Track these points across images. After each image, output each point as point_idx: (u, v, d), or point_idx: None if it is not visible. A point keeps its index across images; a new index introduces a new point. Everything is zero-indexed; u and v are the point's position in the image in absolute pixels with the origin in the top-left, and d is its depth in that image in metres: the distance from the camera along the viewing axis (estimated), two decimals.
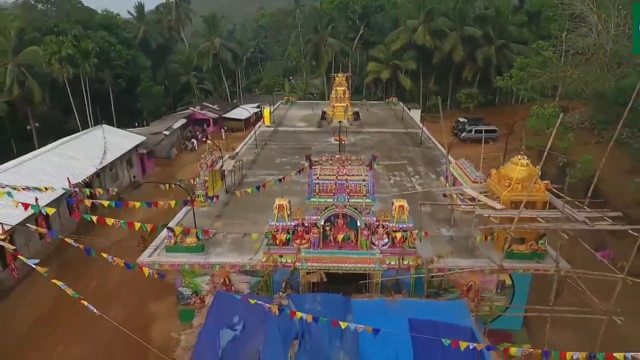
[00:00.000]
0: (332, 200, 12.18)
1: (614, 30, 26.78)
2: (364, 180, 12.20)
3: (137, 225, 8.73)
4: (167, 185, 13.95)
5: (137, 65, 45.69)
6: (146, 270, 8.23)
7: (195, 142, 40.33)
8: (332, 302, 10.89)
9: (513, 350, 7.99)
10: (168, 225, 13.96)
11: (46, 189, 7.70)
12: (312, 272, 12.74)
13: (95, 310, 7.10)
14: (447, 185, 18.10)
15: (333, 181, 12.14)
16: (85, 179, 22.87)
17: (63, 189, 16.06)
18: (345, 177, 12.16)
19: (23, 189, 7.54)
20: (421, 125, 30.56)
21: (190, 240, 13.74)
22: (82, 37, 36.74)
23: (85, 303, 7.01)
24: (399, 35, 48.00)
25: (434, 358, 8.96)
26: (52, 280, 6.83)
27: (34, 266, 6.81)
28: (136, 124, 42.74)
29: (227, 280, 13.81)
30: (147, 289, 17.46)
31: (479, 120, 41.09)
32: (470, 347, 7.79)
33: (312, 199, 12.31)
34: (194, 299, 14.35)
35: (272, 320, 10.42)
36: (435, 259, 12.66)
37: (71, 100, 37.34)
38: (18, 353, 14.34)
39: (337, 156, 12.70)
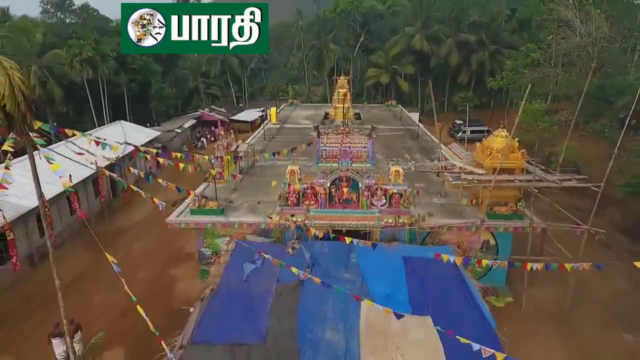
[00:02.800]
0: (337, 164, 14.15)
1: (595, 33, 28.97)
2: (364, 147, 14.18)
3: (181, 165, 10.67)
4: (194, 157, 15.85)
5: (148, 70, 48.05)
6: (191, 195, 10.04)
7: (205, 140, 42.51)
8: (337, 246, 12.75)
9: (485, 263, 9.78)
10: (194, 191, 15.91)
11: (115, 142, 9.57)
12: (320, 229, 14.62)
13: (160, 204, 8.94)
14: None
15: (338, 148, 14.12)
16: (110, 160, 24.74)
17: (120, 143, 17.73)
18: (349, 144, 14.15)
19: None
20: (418, 122, 32.78)
21: (212, 204, 15.69)
22: (100, 41, 39.21)
23: (151, 198, 8.84)
24: (397, 41, 50.51)
25: (424, 280, 10.81)
26: (141, 192, 8.76)
27: (134, 188, 8.73)
28: (148, 125, 44.87)
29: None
30: (168, 257, 19.33)
31: (474, 122, 43.15)
32: (451, 261, 9.62)
33: (319, 164, 14.28)
34: (214, 259, 16.25)
35: (287, 259, 12.31)
36: (426, 216, 14.56)
37: (90, 100, 39.58)
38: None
39: (341, 128, 14.69)
